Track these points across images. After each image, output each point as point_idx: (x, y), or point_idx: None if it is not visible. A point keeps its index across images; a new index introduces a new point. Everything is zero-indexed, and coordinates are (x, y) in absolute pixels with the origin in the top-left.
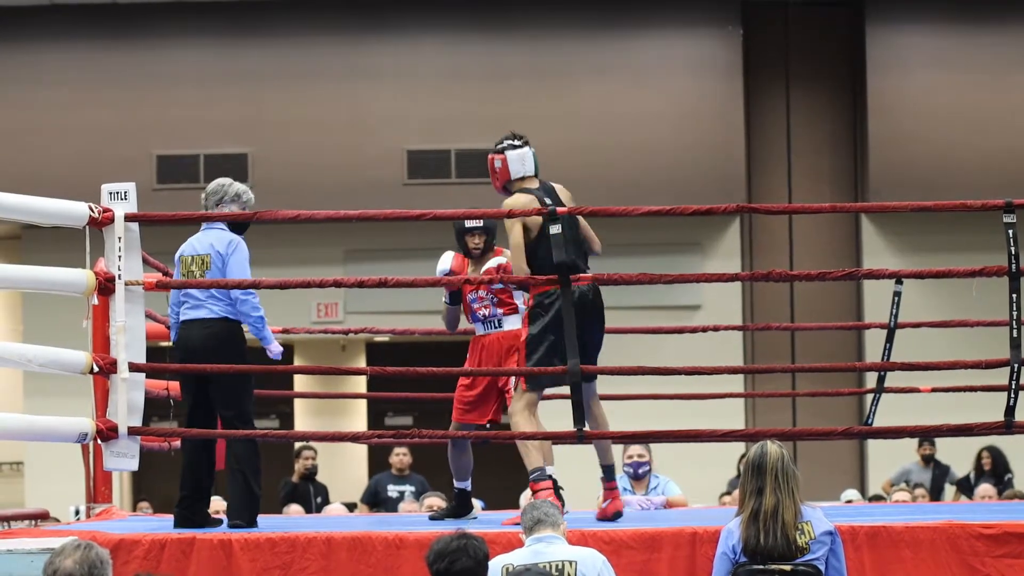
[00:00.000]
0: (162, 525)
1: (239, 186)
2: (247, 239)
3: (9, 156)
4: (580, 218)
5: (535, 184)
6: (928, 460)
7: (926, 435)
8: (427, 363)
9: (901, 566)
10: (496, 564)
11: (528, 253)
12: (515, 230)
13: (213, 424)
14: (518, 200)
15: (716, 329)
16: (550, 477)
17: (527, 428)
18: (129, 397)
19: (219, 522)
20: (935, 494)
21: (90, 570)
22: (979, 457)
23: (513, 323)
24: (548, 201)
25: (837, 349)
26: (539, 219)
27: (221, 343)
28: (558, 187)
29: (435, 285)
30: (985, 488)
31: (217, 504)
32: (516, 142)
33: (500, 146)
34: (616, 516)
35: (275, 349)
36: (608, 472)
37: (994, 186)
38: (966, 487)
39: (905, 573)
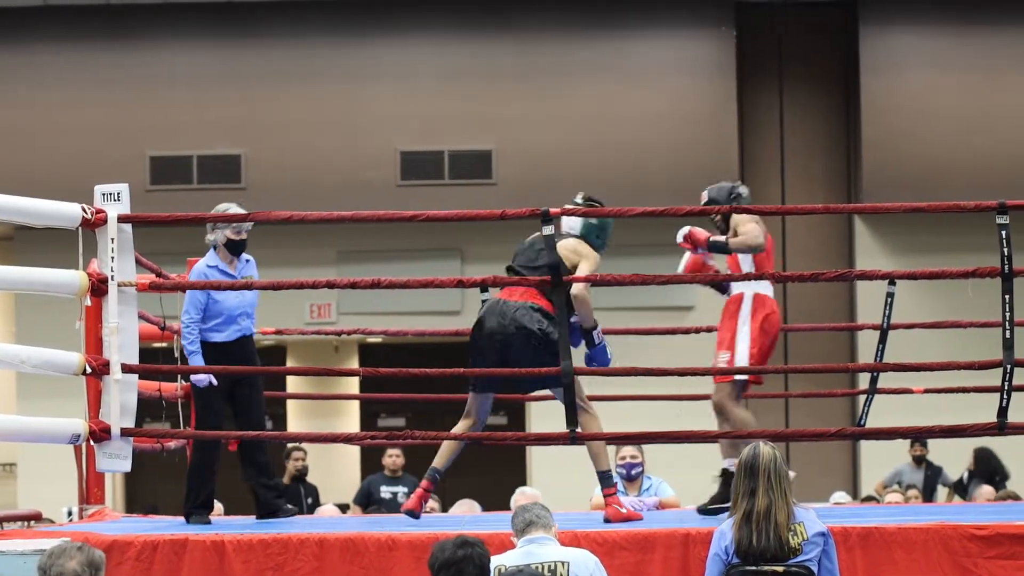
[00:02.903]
0: (155, 526)
1: (234, 207)
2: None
3: (2, 157)
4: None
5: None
6: (920, 461)
7: (919, 436)
8: (420, 364)
9: (894, 567)
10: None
11: None
12: None
13: None
14: None
15: (709, 330)
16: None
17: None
18: (122, 398)
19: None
20: (927, 495)
21: (93, 571)
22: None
23: (737, 287)
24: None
25: (830, 350)
26: None
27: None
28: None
29: (428, 286)
30: (986, 491)
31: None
32: (578, 200)
33: None
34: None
35: (196, 377)
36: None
37: (987, 187)
38: (960, 488)
39: (898, 574)
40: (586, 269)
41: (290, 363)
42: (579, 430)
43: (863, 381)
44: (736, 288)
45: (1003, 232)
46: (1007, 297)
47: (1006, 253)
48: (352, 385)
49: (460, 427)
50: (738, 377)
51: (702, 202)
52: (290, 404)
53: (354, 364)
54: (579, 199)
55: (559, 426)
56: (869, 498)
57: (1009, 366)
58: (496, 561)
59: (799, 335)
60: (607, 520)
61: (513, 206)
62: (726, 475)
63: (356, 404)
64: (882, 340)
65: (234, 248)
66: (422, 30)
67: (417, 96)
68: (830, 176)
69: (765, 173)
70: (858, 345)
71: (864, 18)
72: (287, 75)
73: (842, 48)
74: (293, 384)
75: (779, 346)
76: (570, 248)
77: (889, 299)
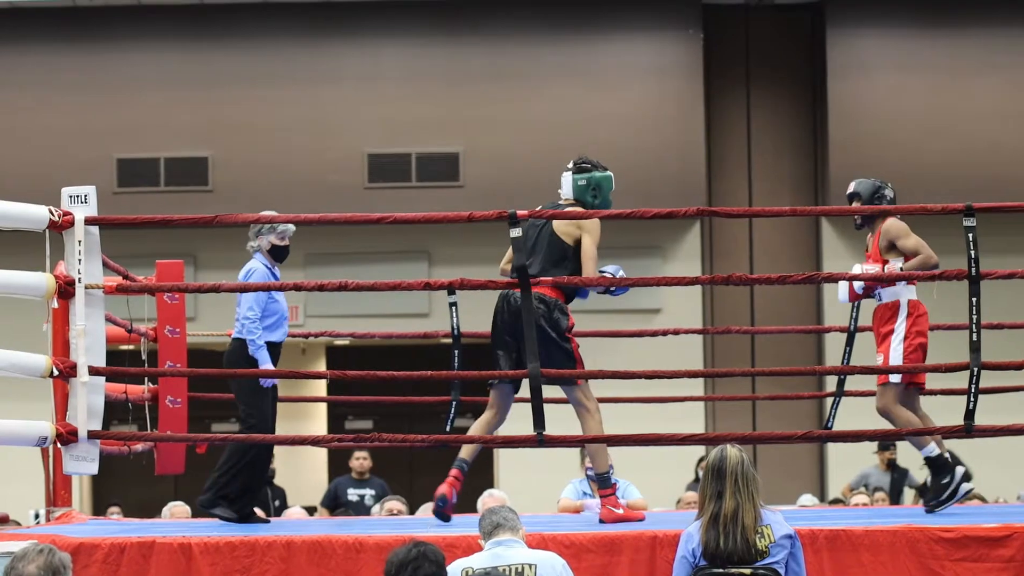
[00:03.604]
0: (122, 529)
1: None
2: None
3: None
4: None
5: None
6: (888, 464)
7: (886, 439)
8: (387, 366)
9: (861, 570)
10: (456, 568)
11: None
12: None
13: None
14: None
15: (676, 333)
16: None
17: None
18: (89, 401)
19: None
20: (895, 498)
21: (53, 574)
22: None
23: (891, 294)
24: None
25: (797, 353)
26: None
27: (232, 360)
28: (567, 208)
29: (395, 289)
30: None
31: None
32: (569, 165)
33: None
34: None
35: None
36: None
37: (954, 190)
38: (924, 492)
39: None
40: (589, 242)
41: None
42: (560, 430)
43: (830, 384)
44: (889, 295)
45: (970, 235)
46: (974, 300)
47: (973, 256)
48: (319, 387)
49: (483, 419)
50: (893, 379)
51: (848, 191)
52: None
53: (321, 366)
54: (570, 164)
55: (527, 428)
56: (836, 501)
57: (976, 368)
58: (463, 563)
59: (766, 337)
60: (602, 521)
61: (480, 208)
62: (931, 463)
63: (323, 406)
64: (849, 343)
65: (278, 254)
66: (390, 33)
67: (384, 99)
68: (797, 178)
69: (732, 175)
70: (825, 348)
71: (831, 21)
72: (254, 78)
73: (809, 51)
74: None
75: (745, 348)
76: (571, 221)
77: (856, 302)
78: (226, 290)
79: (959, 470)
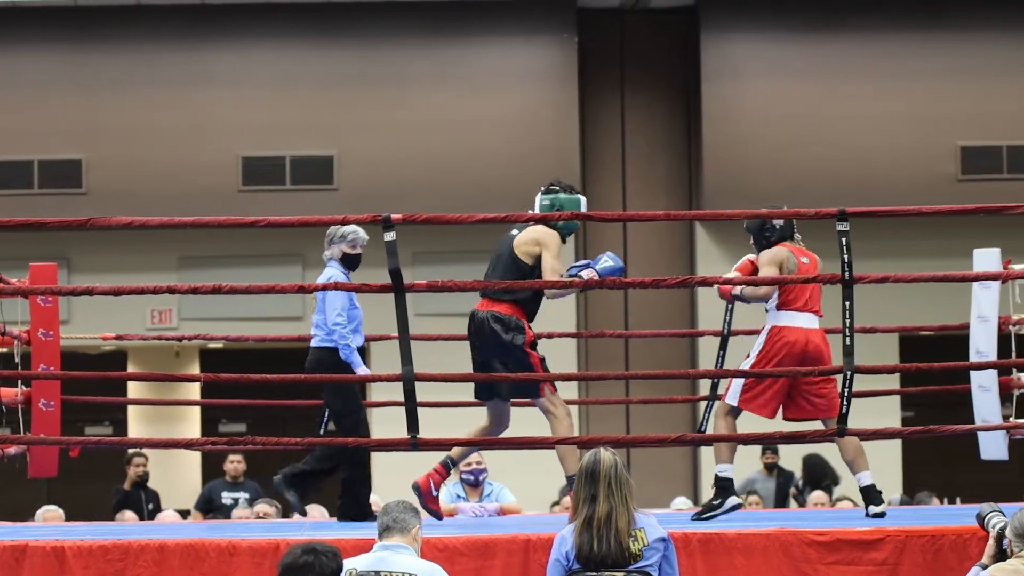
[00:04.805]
0: None
1: (347, 227)
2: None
3: None
4: (521, 255)
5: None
6: (771, 468)
7: (759, 442)
8: (261, 370)
9: (734, 572)
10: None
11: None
12: None
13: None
14: None
15: (550, 336)
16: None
17: None
18: None
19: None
20: (780, 501)
21: None
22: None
23: (767, 319)
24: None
25: (671, 356)
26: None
27: (318, 367)
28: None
29: (269, 292)
30: (818, 495)
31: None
32: (542, 187)
33: None
34: None
35: (360, 372)
36: None
37: (828, 194)
38: (800, 495)
39: None
40: (548, 257)
41: (131, 369)
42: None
43: (704, 387)
44: (766, 319)
45: (843, 239)
46: (847, 304)
47: (846, 260)
48: (193, 391)
49: (478, 428)
50: (729, 400)
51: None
52: (131, 410)
53: (195, 370)
54: (543, 187)
55: (400, 432)
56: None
57: (848, 373)
58: (349, 564)
59: (640, 341)
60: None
61: (354, 212)
62: (718, 481)
63: (197, 410)
64: (723, 347)
65: (350, 262)
66: (264, 36)
67: (258, 102)
68: (672, 182)
69: (607, 179)
70: (699, 351)
71: (705, 25)
72: (128, 80)
73: (683, 55)
74: (133, 390)
75: (619, 352)
76: (530, 239)
77: (730, 306)
78: (99, 293)
79: (731, 500)
